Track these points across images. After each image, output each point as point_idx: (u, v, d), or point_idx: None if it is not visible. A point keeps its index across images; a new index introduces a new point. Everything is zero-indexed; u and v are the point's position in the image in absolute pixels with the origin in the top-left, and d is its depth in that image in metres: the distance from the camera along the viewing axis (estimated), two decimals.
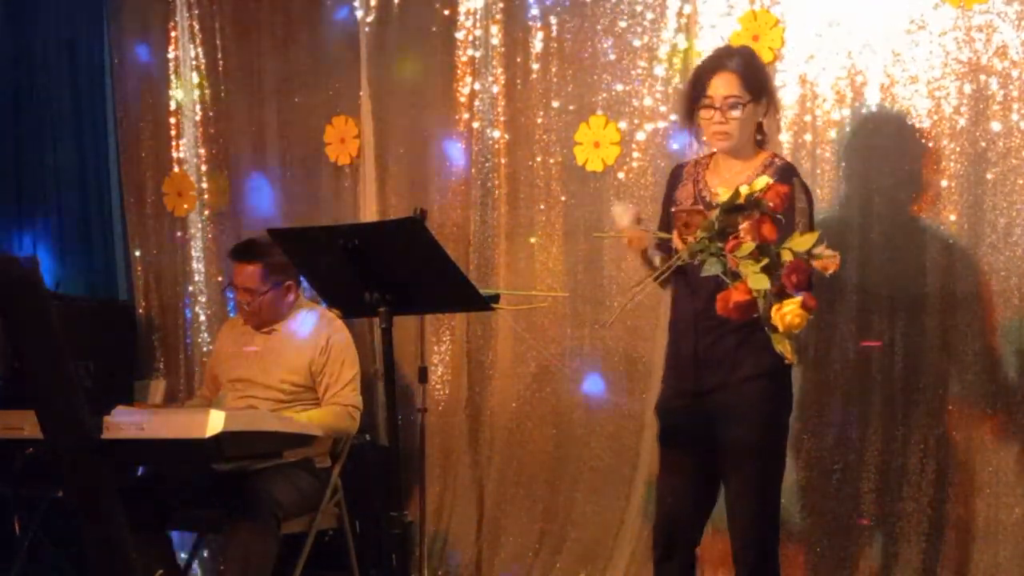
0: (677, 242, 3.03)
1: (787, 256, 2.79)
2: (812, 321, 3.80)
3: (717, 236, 2.85)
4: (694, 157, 3.51)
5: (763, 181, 2.87)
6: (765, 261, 2.78)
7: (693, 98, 3.30)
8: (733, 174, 3.27)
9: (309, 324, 4.25)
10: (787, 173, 3.20)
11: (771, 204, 2.84)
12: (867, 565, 3.81)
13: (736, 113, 3.22)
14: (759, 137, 3.32)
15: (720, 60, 3.31)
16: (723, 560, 3.93)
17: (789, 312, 2.76)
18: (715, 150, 3.34)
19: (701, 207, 3.01)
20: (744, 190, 2.86)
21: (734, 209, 2.85)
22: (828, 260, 2.85)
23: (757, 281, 2.77)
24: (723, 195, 2.92)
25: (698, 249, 2.88)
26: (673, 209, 3.21)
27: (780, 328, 2.78)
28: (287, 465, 3.99)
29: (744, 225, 2.82)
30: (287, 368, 4.16)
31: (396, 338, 3.23)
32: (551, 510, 4.42)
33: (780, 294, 2.79)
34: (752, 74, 3.26)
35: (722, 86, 3.23)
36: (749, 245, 2.79)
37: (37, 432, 2.79)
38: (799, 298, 2.77)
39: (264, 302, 4.19)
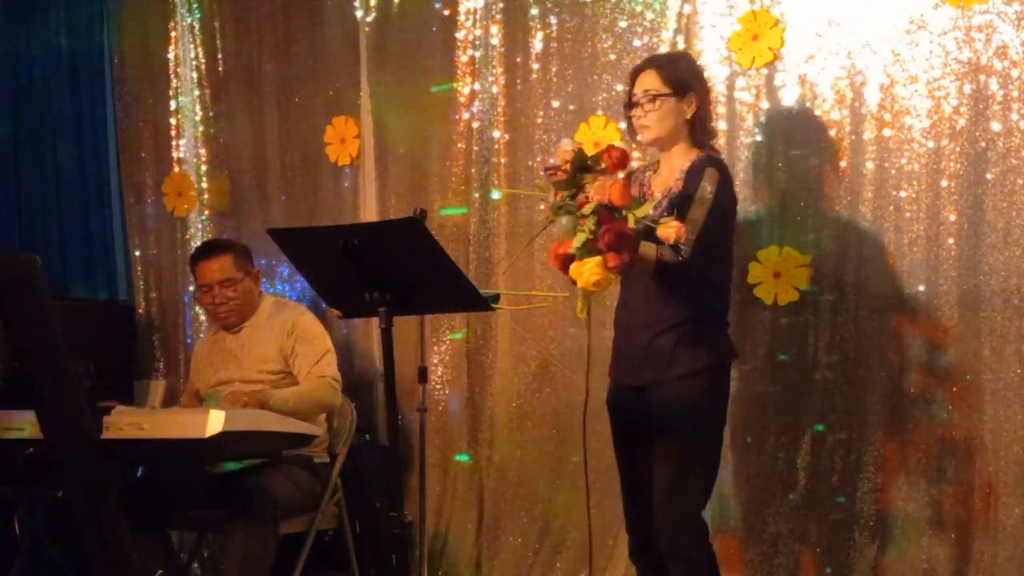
0: (551, 199, 3.09)
1: (631, 221, 2.91)
2: (812, 321, 3.86)
3: (572, 196, 2.96)
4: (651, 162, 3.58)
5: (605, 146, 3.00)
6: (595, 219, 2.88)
7: (626, 103, 3.43)
8: (668, 172, 3.37)
9: (273, 313, 4.28)
10: (701, 164, 3.28)
11: (604, 164, 2.96)
12: (867, 565, 3.81)
13: (652, 105, 3.32)
14: (699, 136, 3.38)
15: (646, 61, 3.48)
16: (725, 561, 3.93)
17: (588, 269, 2.87)
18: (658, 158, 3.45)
19: (564, 167, 3.05)
20: (590, 150, 2.99)
21: (583, 168, 2.96)
22: (669, 229, 2.95)
23: (577, 239, 2.89)
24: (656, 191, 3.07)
25: (559, 206, 2.99)
26: (544, 167, 3.26)
27: (579, 283, 2.90)
28: (286, 463, 3.99)
29: (594, 185, 2.92)
30: (261, 359, 4.20)
31: (396, 338, 3.23)
32: (551, 510, 4.42)
33: (594, 252, 2.89)
34: (675, 70, 3.35)
35: (643, 82, 3.36)
36: (591, 204, 2.90)
37: (37, 432, 2.78)
38: (599, 257, 2.87)
39: (244, 289, 4.25)
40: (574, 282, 2.94)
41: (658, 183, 3.38)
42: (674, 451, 3.27)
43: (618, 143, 3.04)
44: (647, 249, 3.09)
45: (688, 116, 3.35)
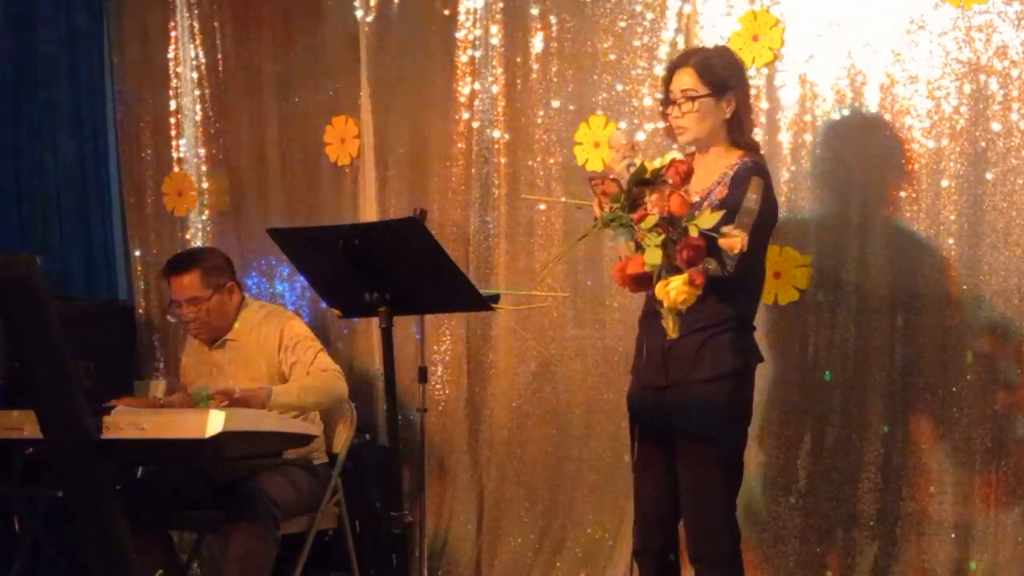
0: (596, 210, 3.03)
1: (693, 231, 2.84)
2: (812, 321, 3.86)
3: (628, 207, 2.89)
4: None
5: (669, 156, 2.93)
6: (664, 235, 2.82)
7: (662, 99, 3.38)
8: (705, 173, 3.30)
9: (260, 325, 4.20)
10: (746, 171, 3.22)
11: (671, 180, 2.88)
12: (866, 565, 3.81)
13: (690, 106, 3.26)
14: (737, 135, 3.32)
15: (683, 57, 3.40)
16: None
17: (674, 288, 2.80)
18: (693, 150, 3.37)
19: (615, 177, 3.00)
20: (650, 164, 2.91)
21: (642, 182, 2.89)
22: (733, 239, 2.88)
23: (652, 256, 2.82)
24: (639, 169, 2.96)
25: (610, 219, 2.93)
26: (589, 176, 3.21)
27: (665, 303, 2.83)
28: (285, 464, 3.99)
29: (652, 197, 2.86)
30: (249, 377, 4.10)
31: (396, 338, 3.22)
32: (551, 510, 4.42)
33: (672, 269, 2.83)
34: (712, 69, 3.29)
35: (680, 81, 3.30)
36: (653, 218, 2.83)
37: (37, 432, 2.79)
38: (685, 275, 2.80)
39: (211, 308, 4.14)
40: (660, 303, 2.87)
41: (694, 182, 3.22)
42: (697, 455, 3.24)
43: (680, 155, 2.98)
44: None
45: (727, 115, 3.29)
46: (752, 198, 3.16)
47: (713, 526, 3.26)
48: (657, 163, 2.93)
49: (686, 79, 3.28)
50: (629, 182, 2.91)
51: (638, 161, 3.01)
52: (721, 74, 3.29)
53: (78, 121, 5.57)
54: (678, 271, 2.83)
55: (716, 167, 3.29)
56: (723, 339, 3.22)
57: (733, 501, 3.32)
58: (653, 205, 2.85)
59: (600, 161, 4.21)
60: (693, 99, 3.25)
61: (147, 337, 5.35)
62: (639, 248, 2.88)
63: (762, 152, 3.90)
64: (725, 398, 3.23)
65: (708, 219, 2.87)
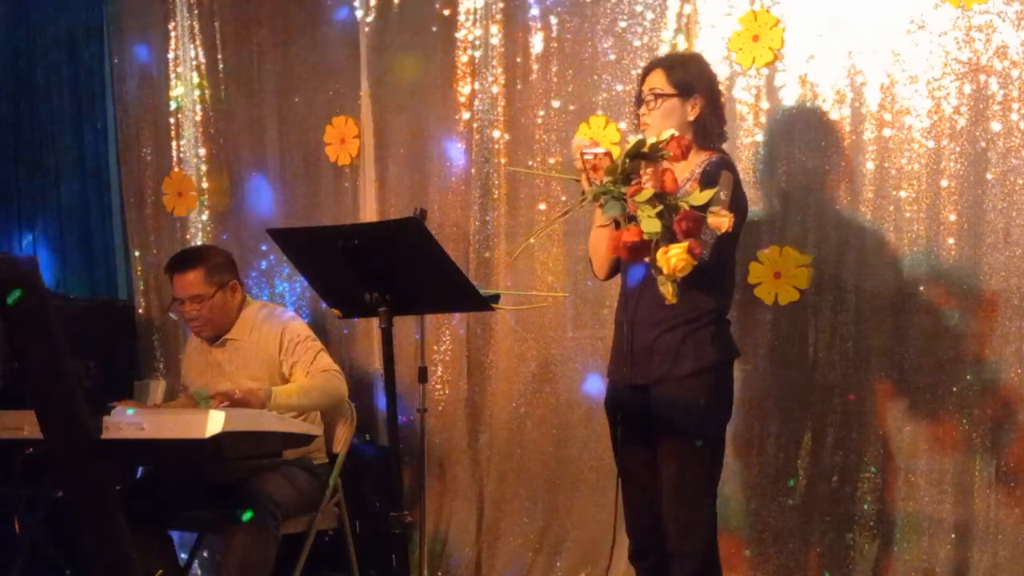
0: (585, 184, 3.04)
1: (684, 207, 2.87)
2: (812, 321, 3.86)
3: (621, 181, 2.92)
4: None
5: (668, 132, 2.94)
6: (660, 207, 2.84)
7: (635, 100, 3.48)
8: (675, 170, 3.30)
9: (260, 325, 4.19)
10: (716, 166, 3.29)
11: (671, 153, 2.91)
12: (866, 565, 3.81)
13: (655, 103, 3.35)
14: (702, 139, 3.36)
15: (655, 60, 3.52)
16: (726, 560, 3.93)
17: (674, 256, 2.83)
18: None
19: (608, 151, 3.02)
20: (650, 139, 2.93)
21: (638, 156, 2.92)
22: (722, 219, 2.90)
23: (650, 225, 2.84)
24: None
25: (601, 192, 2.95)
26: (581, 151, 3.22)
27: (665, 270, 2.86)
28: (285, 464, 3.99)
29: (648, 171, 2.89)
30: (249, 377, 4.11)
31: (396, 338, 3.22)
32: (551, 510, 4.43)
33: (669, 239, 2.86)
34: (679, 71, 3.38)
35: (650, 81, 3.40)
36: (648, 191, 2.86)
37: (37, 432, 2.78)
38: (685, 243, 2.84)
39: (213, 306, 4.14)
40: (659, 271, 2.89)
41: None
42: (680, 450, 3.27)
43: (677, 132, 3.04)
44: None
45: (691, 118, 3.36)
46: (721, 191, 3.19)
47: (694, 520, 3.30)
48: (653, 139, 2.94)
49: (655, 79, 3.39)
50: (625, 155, 2.93)
51: (600, 150, 3.03)
52: (688, 77, 3.38)
53: (78, 121, 5.57)
54: (669, 240, 2.86)
55: (684, 167, 3.31)
56: (704, 333, 3.28)
57: (714, 494, 3.36)
58: (648, 179, 2.88)
59: None
60: (658, 97, 3.34)
61: (147, 337, 5.36)
62: (631, 220, 2.91)
63: (761, 152, 3.93)
64: (707, 392, 3.29)
65: (700, 196, 2.90)
